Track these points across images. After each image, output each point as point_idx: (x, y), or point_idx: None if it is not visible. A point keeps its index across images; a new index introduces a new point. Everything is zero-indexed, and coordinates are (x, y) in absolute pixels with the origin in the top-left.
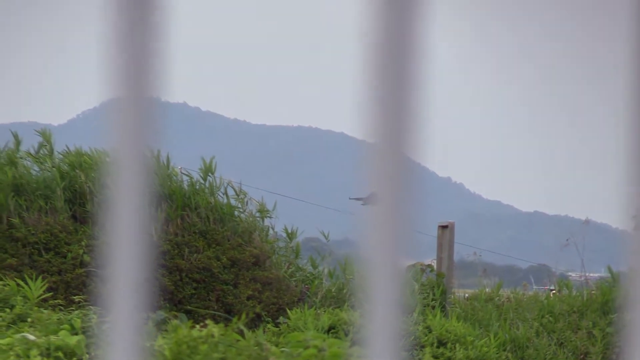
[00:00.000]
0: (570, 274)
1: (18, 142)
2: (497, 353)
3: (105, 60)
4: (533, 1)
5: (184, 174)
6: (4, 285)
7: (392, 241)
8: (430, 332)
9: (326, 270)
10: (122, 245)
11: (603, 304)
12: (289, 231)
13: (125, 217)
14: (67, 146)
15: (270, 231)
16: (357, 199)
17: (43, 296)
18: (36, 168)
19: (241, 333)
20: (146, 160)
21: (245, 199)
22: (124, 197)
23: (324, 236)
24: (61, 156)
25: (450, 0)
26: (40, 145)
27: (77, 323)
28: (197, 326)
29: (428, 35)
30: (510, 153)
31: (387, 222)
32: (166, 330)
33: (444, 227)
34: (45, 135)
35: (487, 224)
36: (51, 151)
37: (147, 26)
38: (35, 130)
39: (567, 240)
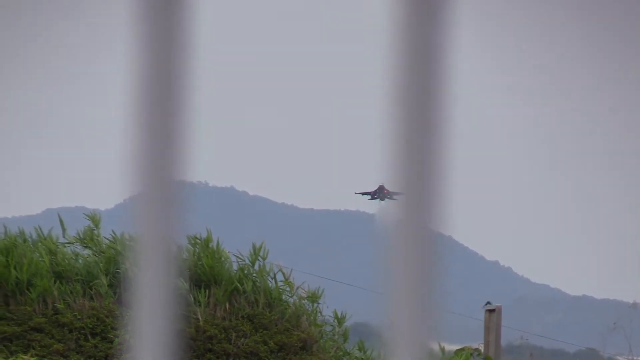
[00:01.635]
0: (618, 357)
1: (64, 228)
2: None
3: (130, 148)
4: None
5: (236, 255)
6: None
7: (416, 321)
8: None
9: (374, 354)
10: (146, 329)
11: None
12: (338, 315)
13: (149, 303)
14: (113, 231)
15: (319, 315)
16: (364, 194)
17: None
18: (85, 252)
19: None
20: (174, 246)
21: (295, 286)
22: (149, 283)
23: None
24: (107, 241)
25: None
26: (87, 230)
27: None
28: None
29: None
30: (559, 237)
31: (411, 300)
32: None
33: (491, 311)
34: (95, 219)
35: (534, 307)
36: (94, 235)
37: (175, 112)
38: (85, 215)
39: (614, 323)
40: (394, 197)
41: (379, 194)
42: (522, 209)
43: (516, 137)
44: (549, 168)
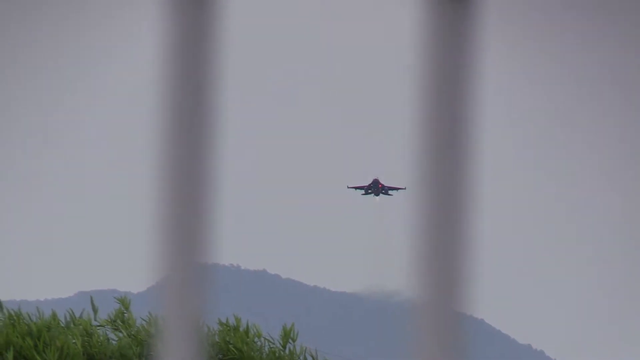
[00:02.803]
0: None
1: (95, 311)
2: None
3: (160, 231)
4: None
5: (267, 339)
6: None
7: None
8: None
9: None
10: None
11: None
12: None
13: None
14: (150, 313)
15: None
16: (358, 188)
17: None
18: (118, 335)
19: None
20: (203, 329)
21: None
22: None
23: None
24: (139, 324)
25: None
26: (118, 312)
27: None
28: None
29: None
30: (589, 319)
31: None
32: None
33: None
34: (124, 303)
35: None
36: (126, 319)
37: (205, 195)
38: (115, 298)
39: None
40: (389, 192)
41: (373, 188)
42: (552, 290)
43: (542, 217)
44: (582, 254)
